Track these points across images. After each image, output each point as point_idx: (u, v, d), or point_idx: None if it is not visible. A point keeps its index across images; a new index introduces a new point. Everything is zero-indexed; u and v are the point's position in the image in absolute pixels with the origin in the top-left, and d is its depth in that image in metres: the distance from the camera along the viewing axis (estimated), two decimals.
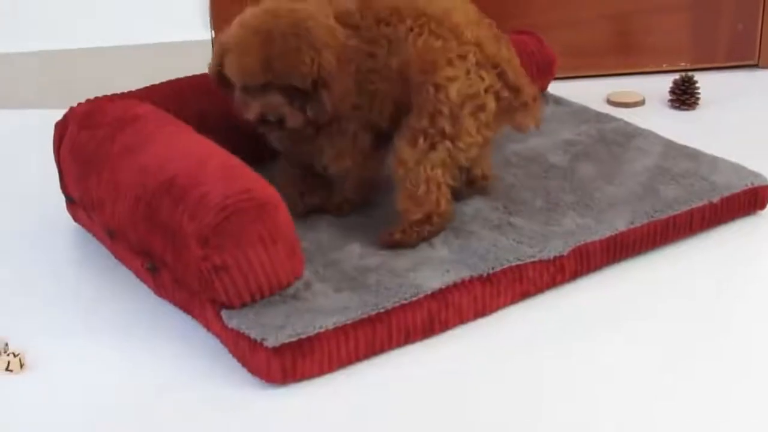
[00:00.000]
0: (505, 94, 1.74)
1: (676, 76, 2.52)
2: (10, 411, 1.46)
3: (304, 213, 1.79)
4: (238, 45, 1.67)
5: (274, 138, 1.80)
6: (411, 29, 1.71)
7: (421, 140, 1.71)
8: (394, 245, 1.71)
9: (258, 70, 1.65)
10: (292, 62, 1.64)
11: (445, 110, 1.70)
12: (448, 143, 1.71)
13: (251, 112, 1.70)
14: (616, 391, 1.49)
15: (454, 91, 1.70)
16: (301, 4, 1.70)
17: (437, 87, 1.70)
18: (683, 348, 1.59)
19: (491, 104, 1.74)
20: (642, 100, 2.54)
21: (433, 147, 1.71)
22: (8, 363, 1.53)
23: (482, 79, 1.72)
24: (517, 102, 1.76)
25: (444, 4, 1.74)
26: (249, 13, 1.69)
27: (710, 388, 1.50)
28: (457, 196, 1.82)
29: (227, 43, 1.69)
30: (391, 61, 1.72)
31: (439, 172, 1.72)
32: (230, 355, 1.55)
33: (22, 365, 1.53)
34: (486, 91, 1.73)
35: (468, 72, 1.72)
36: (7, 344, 1.57)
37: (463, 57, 1.71)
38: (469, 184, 1.85)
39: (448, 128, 1.71)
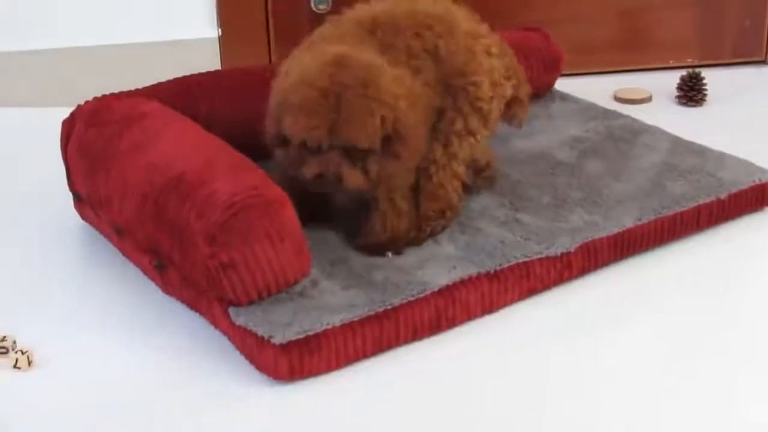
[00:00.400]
0: (515, 82, 1.77)
1: (683, 72, 2.52)
2: (19, 408, 1.46)
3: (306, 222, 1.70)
4: (303, 107, 1.56)
5: (334, 197, 1.73)
6: (440, 35, 1.71)
7: (456, 141, 1.73)
8: (402, 246, 1.71)
9: (324, 134, 1.55)
10: (362, 126, 1.56)
11: (484, 107, 1.73)
12: (471, 139, 1.74)
13: (309, 170, 1.58)
14: (623, 387, 1.49)
15: (486, 87, 1.73)
16: (365, 55, 1.62)
17: (475, 85, 1.72)
18: (690, 344, 1.59)
19: (509, 91, 1.78)
20: (649, 97, 2.53)
21: (461, 145, 1.74)
22: (16, 360, 1.53)
23: (499, 69, 1.76)
24: (517, 92, 1.79)
25: (442, 7, 1.75)
26: (310, 65, 1.58)
27: (717, 384, 1.50)
28: (468, 189, 1.82)
29: (288, 102, 1.57)
30: (436, 72, 1.71)
31: (462, 168, 1.76)
32: (238, 353, 1.55)
33: (30, 362, 1.54)
34: (506, 79, 1.78)
35: (492, 66, 1.74)
36: (15, 342, 1.57)
37: (487, 52, 1.74)
38: (477, 173, 1.85)
39: (476, 124, 1.73)
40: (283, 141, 1.61)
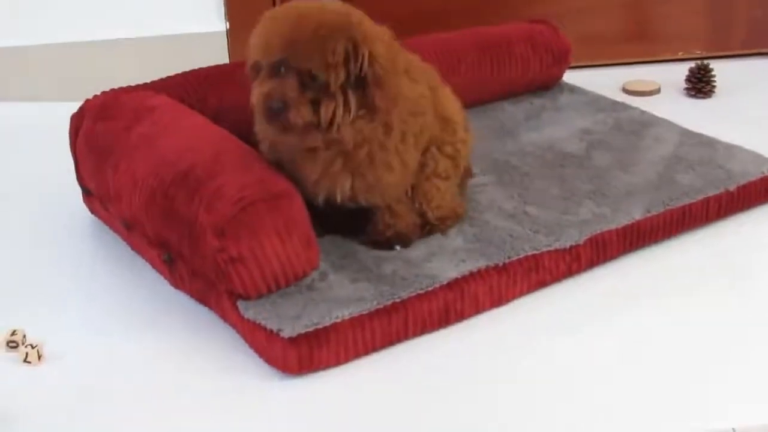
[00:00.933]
0: None
1: (692, 64, 2.52)
2: (29, 402, 1.46)
3: (323, 235, 1.69)
4: (270, 17, 1.54)
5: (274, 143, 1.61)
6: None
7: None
8: (409, 239, 1.70)
9: (277, 44, 1.49)
10: (320, 46, 1.47)
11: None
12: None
13: (255, 93, 1.53)
14: (633, 379, 1.49)
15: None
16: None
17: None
18: (700, 336, 1.59)
19: None
20: (658, 89, 2.53)
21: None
22: (26, 354, 1.53)
23: None
24: None
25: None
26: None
27: (728, 375, 1.50)
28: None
29: (261, 18, 1.54)
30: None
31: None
32: (247, 346, 1.55)
33: (39, 356, 1.54)
34: None
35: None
36: (25, 336, 1.57)
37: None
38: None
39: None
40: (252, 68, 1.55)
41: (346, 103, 1.52)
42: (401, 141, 1.63)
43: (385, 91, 1.53)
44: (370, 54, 1.50)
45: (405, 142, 1.64)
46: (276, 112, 1.50)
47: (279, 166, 1.62)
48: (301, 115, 1.51)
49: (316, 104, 1.51)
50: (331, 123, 1.53)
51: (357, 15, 1.55)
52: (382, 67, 1.52)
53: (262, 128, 1.61)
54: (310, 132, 1.54)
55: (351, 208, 1.67)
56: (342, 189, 1.62)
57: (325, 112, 1.51)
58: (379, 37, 1.55)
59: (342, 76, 1.50)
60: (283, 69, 1.50)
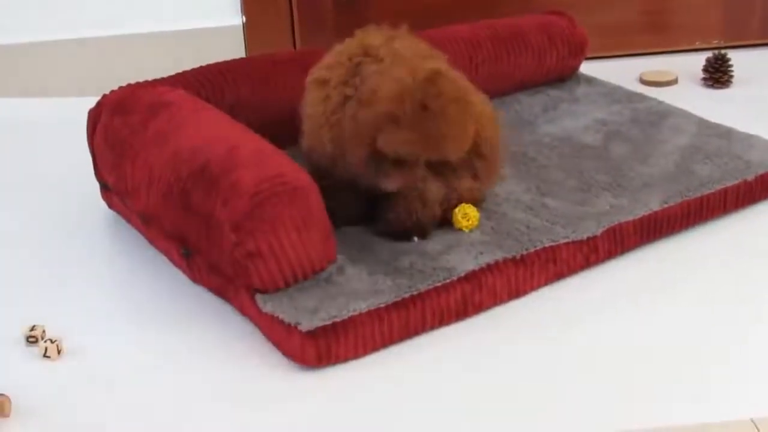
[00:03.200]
0: None
1: (709, 54, 2.51)
2: (49, 397, 1.47)
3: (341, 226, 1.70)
4: (408, 121, 1.52)
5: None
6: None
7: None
8: (427, 231, 1.71)
9: (420, 148, 1.54)
10: (456, 139, 1.56)
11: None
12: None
13: (392, 183, 1.60)
14: (650, 370, 1.49)
15: None
16: (434, 61, 1.62)
17: None
18: (717, 328, 1.58)
19: None
20: (675, 79, 2.52)
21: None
22: (46, 349, 1.54)
23: None
24: None
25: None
26: (392, 69, 1.56)
27: (745, 366, 1.49)
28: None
29: (387, 113, 1.53)
30: None
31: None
32: (265, 339, 1.55)
33: (59, 352, 1.55)
34: None
35: None
36: (44, 331, 1.58)
37: None
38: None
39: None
40: (374, 156, 1.57)
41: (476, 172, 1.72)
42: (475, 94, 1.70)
43: (488, 164, 1.70)
44: (477, 134, 1.62)
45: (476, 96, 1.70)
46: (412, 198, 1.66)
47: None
48: (437, 194, 1.70)
49: (447, 183, 1.71)
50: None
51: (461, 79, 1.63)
52: (486, 143, 1.69)
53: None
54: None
55: (379, 193, 1.67)
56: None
57: (458, 192, 1.72)
58: (486, 112, 1.68)
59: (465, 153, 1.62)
60: None
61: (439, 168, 1.63)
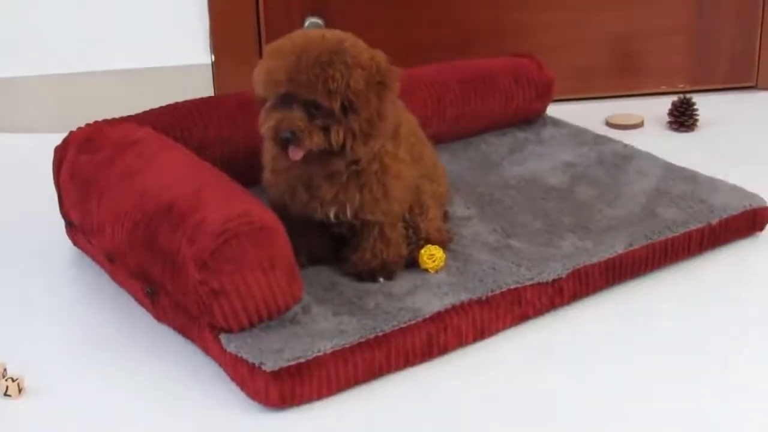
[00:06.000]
0: None
1: (675, 98, 2.53)
2: None
3: (307, 266, 1.71)
4: (271, 51, 1.61)
5: (292, 165, 1.64)
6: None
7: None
8: (393, 272, 1.71)
9: (283, 78, 1.57)
10: (320, 74, 1.55)
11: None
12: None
13: (266, 125, 1.60)
14: (614, 413, 1.49)
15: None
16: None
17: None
18: (682, 370, 1.59)
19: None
20: (641, 122, 2.54)
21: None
22: (6, 388, 1.52)
23: None
24: None
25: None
26: (300, 30, 1.66)
27: (707, 411, 1.50)
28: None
29: (264, 51, 1.63)
30: None
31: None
32: (229, 380, 1.54)
33: (20, 390, 1.53)
34: None
35: None
36: (5, 369, 1.56)
37: None
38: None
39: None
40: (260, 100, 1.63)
41: (350, 125, 1.59)
42: (407, 152, 1.71)
43: (359, 114, 1.58)
44: (346, 84, 1.57)
45: (410, 155, 1.72)
46: (286, 141, 1.58)
47: (283, 192, 1.68)
48: (314, 141, 1.58)
49: (326, 131, 1.58)
50: (343, 146, 1.59)
51: (351, 40, 1.61)
52: (355, 94, 1.57)
53: (277, 159, 1.66)
54: (331, 159, 1.61)
55: (344, 233, 1.71)
56: (352, 204, 1.66)
57: (335, 137, 1.58)
58: (362, 63, 1.59)
59: (339, 100, 1.57)
60: (289, 101, 1.58)
61: (315, 113, 1.57)
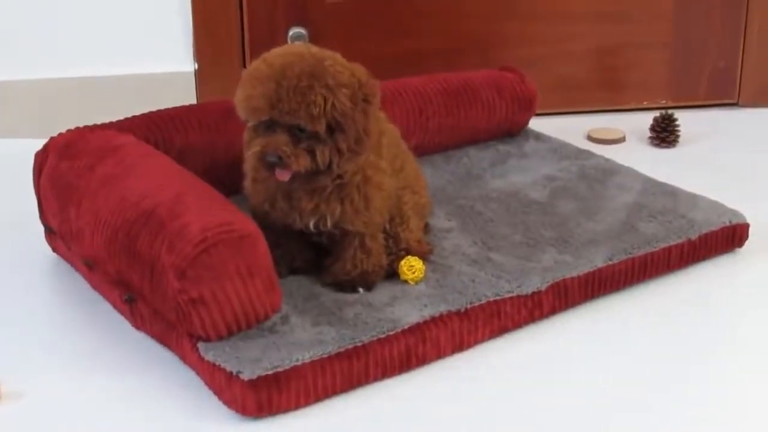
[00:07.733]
0: None
1: (657, 113, 2.54)
2: None
3: (286, 275, 1.72)
4: (249, 77, 1.59)
5: (280, 185, 1.64)
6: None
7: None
8: (372, 282, 1.71)
9: (264, 105, 1.56)
10: (301, 100, 1.55)
11: None
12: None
13: (251, 149, 1.60)
14: (592, 427, 1.49)
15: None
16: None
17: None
18: (659, 386, 1.59)
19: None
20: (622, 137, 2.55)
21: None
22: None
23: None
24: None
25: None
26: (275, 49, 1.63)
27: (686, 426, 1.50)
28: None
29: (242, 75, 1.62)
30: None
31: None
32: (206, 388, 1.54)
33: None
34: None
35: None
36: None
37: None
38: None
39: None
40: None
41: (336, 145, 1.59)
42: (389, 163, 1.72)
43: (346, 134, 1.59)
44: (332, 104, 1.57)
45: (391, 165, 1.72)
46: (273, 165, 1.58)
47: (263, 201, 1.68)
48: (301, 164, 1.58)
49: (312, 152, 1.59)
50: (329, 165, 1.60)
51: (329, 59, 1.60)
52: (342, 114, 1.57)
53: (258, 168, 1.64)
54: (317, 177, 1.62)
55: (324, 242, 1.71)
56: (332, 215, 1.66)
57: (321, 157, 1.59)
58: (345, 82, 1.58)
59: (324, 123, 1.57)
60: (272, 124, 1.58)
61: (299, 135, 1.58)
